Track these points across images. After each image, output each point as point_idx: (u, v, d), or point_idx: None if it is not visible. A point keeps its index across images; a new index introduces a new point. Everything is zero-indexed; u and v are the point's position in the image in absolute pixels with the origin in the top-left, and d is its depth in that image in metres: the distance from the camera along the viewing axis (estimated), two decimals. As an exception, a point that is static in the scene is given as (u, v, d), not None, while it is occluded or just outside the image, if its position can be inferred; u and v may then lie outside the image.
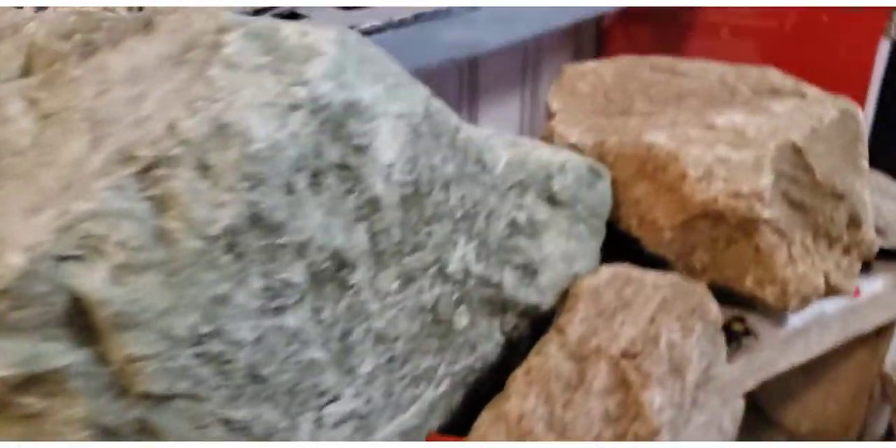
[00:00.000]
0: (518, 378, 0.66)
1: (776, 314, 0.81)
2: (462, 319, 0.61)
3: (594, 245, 0.71)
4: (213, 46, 0.39)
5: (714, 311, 0.66)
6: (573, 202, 0.67)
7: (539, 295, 0.67)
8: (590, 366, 0.64)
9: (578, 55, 1.46)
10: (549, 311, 0.69)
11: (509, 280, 0.63)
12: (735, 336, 0.77)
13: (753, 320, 0.80)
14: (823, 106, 0.79)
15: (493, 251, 0.61)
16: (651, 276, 0.68)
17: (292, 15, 0.93)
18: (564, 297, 0.70)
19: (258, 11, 0.80)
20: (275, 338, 0.42)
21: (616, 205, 0.74)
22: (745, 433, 1.12)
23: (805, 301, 0.72)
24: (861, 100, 1.25)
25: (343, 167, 0.43)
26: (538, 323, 0.69)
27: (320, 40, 0.40)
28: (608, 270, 0.70)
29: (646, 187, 0.72)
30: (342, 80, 0.40)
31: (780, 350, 0.79)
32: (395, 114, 0.45)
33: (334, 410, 0.50)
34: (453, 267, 0.56)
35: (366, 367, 0.52)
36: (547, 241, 0.66)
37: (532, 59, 1.41)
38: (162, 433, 0.40)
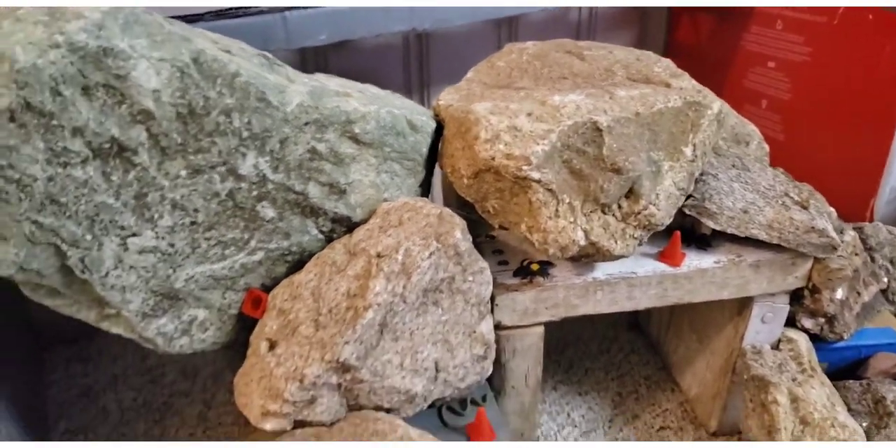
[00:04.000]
0: (312, 260, 0.92)
1: (584, 265, 0.97)
2: (267, 211, 0.88)
3: (411, 181, 0.94)
4: (12, 10, 0.70)
5: (455, 237, 0.86)
6: (379, 145, 0.90)
7: (348, 209, 0.91)
8: (354, 259, 0.88)
9: (643, 38, 1.58)
10: (363, 222, 0.93)
11: (315, 192, 0.89)
12: (528, 272, 0.95)
13: (559, 267, 0.97)
14: (669, 96, 0.93)
15: (293, 167, 0.86)
16: (428, 209, 0.90)
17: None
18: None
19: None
20: (65, 181, 0.74)
21: (443, 155, 0.96)
22: (653, 388, 1.26)
23: (564, 250, 0.88)
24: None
25: (108, 86, 0.72)
26: (354, 228, 0.93)
27: (87, 8, 0.70)
28: (403, 200, 0.92)
29: (459, 143, 0.93)
30: (98, 34, 0.70)
31: (579, 295, 0.95)
32: (157, 58, 0.74)
33: (136, 242, 0.81)
34: (245, 171, 0.84)
35: (165, 222, 0.82)
36: (355, 171, 0.90)
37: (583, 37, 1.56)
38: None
